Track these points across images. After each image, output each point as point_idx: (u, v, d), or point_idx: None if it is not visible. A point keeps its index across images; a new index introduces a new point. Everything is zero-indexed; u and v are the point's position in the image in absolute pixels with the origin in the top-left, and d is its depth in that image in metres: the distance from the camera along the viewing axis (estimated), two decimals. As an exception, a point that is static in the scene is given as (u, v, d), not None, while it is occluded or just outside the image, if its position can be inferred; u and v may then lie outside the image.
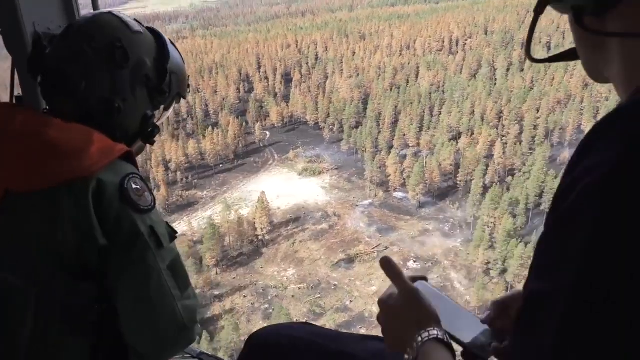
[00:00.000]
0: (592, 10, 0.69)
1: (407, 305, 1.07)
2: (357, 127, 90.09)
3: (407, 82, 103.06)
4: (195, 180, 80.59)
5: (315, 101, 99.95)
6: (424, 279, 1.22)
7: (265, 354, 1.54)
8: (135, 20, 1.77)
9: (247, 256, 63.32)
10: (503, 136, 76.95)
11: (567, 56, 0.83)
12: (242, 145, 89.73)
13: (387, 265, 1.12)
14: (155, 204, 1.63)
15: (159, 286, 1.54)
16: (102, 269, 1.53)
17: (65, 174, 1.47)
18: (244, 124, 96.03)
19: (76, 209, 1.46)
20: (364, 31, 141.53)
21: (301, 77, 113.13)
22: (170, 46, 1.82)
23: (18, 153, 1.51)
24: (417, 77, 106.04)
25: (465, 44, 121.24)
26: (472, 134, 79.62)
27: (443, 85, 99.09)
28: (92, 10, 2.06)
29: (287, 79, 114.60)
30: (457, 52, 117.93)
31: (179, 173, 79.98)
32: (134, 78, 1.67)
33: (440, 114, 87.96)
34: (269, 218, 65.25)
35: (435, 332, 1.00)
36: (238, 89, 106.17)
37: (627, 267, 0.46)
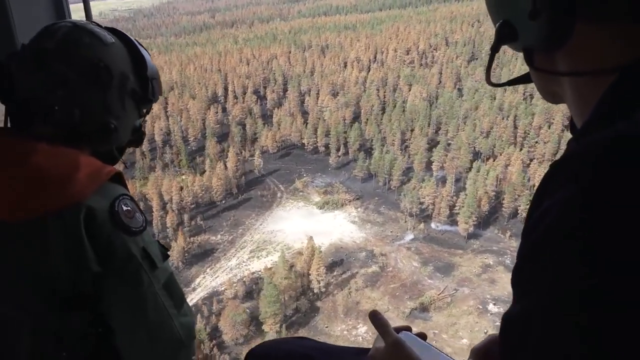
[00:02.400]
0: (541, 50, 0.77)
1: (393, 357, 1.10)
2: (360, 150, 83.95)
3: (394, 101, 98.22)
4: (202, 222, 70.15)
5: (305, 122, 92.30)
6: (409, 329, 1.25)
7: None
8: (99, 25, 1.67)
9: (304, 313, 54.81)
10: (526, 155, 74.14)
11: (522, 80, 0.92)
12: (239, 175, 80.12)
13: (375, 318, 1.18)
14: (146, 224, 1.60)
15: (156, 307, 1.54)
16: (96, 294, 1.51)
17: (54, 203, 1.43)
18: (225, 149, 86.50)
19: (67, 239, 1.43)
20: (319, 43, 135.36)
21: (275, 95, 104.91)
22: (141, 49, 1.75)
23: (4, 183, 1.47)
24: (395, 91, 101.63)
25: (434, 55, 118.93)
26: (495, 154, 76.27)
27: (436, 101, 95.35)
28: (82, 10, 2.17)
29: (258, 97, 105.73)
30: (428, 64, 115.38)
31: (185, 215, 69.25)
32: (121, 94, 1.64)
33: (448, 133, 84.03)
34: (324, 267, 57.01)
35: None
36: (217, 111, 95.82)
37: (585, 296, 0.51)
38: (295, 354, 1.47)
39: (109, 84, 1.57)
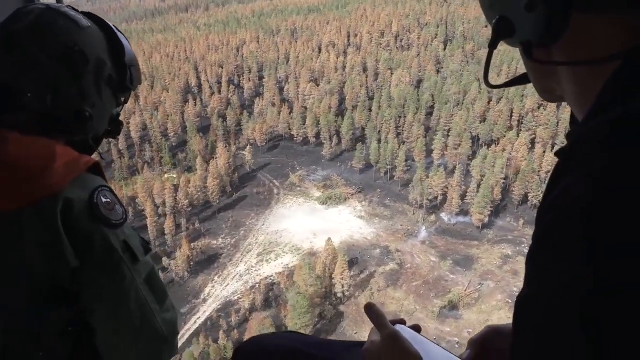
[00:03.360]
0: (538, 44, 0.77)
1: (389, 350, 1.09)
2: (353, 140, 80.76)
3: (379, 88, 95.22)
4: (199, 225, 65.44)
5: (291, 112, 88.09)
6: (403, 322, 1.23)
7: None
8: (74, 9, 1.61)
9: (329, 320, 51.69)
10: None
11: (520, 80, 0.91)
12: (232, 172, 75.42)
13: (370, 311, 1.16)
14: (127, 216, 1.54)
15: (138, 302, 1.49)
16: (75, 290, 1.45)
17: (29, 195, 1.38)
18: (209, 144, 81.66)
19: (44, 232, 1.38)
20: (288, 27, 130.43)
21: (252, 84, 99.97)
22: (119, 35, 1.69)
23: None
24: (378, 77, 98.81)
25: (409, 38, 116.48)
26: (493, 140, 74.82)
27: (419, 85, 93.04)
28: None
29: (235, 86, 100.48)
30: (404, 47, 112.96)
31: (182, 219, 64.39)
32: (97, 80, 1.57)
33: (440, 119, 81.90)
34: (349, 270, 53.83)
35: None
36: (195, 103, 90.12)
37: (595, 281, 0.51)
38: (285, 349, 1.44)
39: (84, 69, 1.51)
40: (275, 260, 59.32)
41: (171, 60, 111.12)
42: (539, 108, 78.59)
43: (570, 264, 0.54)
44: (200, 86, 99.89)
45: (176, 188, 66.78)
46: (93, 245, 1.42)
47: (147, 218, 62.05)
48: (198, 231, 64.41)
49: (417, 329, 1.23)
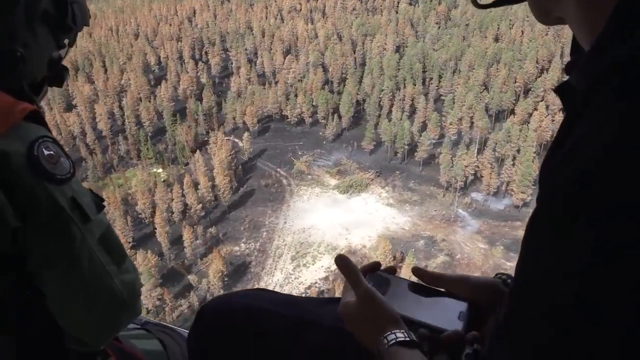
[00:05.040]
0: None
1: (364, 312, 1.02)
2: (355, 117, 74.44)
3: (363, 57, 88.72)
4: (211, 229, 57.11)
5: (276, 90, 79.85)
6: (377, 266, 1.16)
7: (217, 326, 1.37)
8: None
9: (398, 329, 46.35)
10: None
11: None
12: (235, 164, 66.86)
13: (342, 265, 1.08)
14: (74, 170, 1.38)
15: (91, 264, 1.36)
16: (19, 254, 1.31)
17: None
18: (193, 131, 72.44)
19: None
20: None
21: (218, 59, 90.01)
22: None
23: None
24: (357, 45, 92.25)
25: (375, 2, 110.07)
26: (503, 109, 71.20)
27: (400, 51, 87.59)
28: None
29: (204, 63, 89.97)
30: (369, 10, 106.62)
31: (197, 225, 55.75)
32: (30, 17, 1.39)
33: (440, 89, 77.26)
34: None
35: (394, 336, 0.95)
36: (167, 85, 79.32)
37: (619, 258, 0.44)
38: (254, 309, 1.34)
39: (12, 3, 1.33)
40: (313, 264, 52.77)
41: (117, 35, 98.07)
42: (545, 71, 75.79)
43: (572, 240, 0.47)
44: (160, 64, 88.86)
45: (181, 186, 57.66)
46: (36, 204, 1.24)
47: (155, 227, 52.89)
48: (214, 236, 56.18)
49: (392, 270, 1.15)
